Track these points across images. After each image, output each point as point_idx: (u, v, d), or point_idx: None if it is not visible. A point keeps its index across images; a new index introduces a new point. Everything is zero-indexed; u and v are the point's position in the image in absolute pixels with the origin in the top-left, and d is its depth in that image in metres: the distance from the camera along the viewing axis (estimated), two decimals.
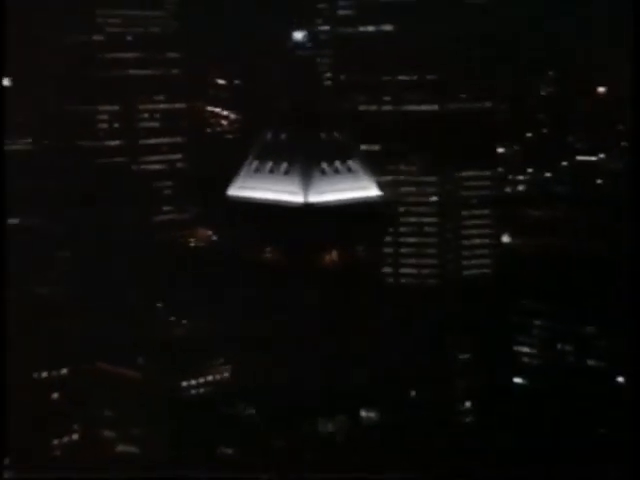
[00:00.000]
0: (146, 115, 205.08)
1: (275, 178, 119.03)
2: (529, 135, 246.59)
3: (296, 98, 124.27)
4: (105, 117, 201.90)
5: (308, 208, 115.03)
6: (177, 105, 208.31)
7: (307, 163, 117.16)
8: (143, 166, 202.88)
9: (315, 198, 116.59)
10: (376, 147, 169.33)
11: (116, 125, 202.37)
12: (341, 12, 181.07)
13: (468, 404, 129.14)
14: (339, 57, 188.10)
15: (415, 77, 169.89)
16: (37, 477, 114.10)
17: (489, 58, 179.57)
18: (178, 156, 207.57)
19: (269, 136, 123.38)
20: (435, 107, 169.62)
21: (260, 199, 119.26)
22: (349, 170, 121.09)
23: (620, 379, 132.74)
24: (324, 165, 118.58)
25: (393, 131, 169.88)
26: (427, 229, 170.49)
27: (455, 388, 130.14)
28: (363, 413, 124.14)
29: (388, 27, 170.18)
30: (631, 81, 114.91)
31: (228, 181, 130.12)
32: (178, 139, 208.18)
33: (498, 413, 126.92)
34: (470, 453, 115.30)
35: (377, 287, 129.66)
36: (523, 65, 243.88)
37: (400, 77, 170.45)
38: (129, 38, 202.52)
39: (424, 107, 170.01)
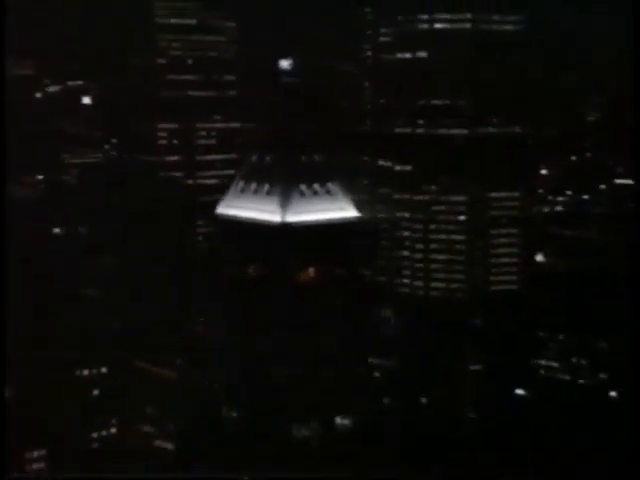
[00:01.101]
0: (203, 133, 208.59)
1: (258, 198, 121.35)
2: (573, 158, 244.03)
3: (280, 122, 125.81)
4: (165, 134, 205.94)
5: (285, 227, 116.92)
6: (232, 124, 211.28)
7: (286, 185, 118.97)
8: (199, 180, 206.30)
9: (292, 218, 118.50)
10: (408, 167, 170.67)
11: (175, 142, 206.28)
12: (382, 39, 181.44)
13: (474, 414, 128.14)
14: (379, 82, 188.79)
15: (447, 102, 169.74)
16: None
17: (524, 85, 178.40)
18: (231, 172, 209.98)
19: (255, 158, 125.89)
20: (465, 131, 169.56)
21: (244, 217, 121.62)
22: (328, 192, 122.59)
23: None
24: (303, 187, 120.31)
25: (426, 153, 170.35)
26: (456, 247, 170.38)
27: (462, 398, 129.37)
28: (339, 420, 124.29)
29: (423, 54, 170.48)
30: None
31: None
32: (233, 156, 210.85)
33: (505, 423, 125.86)
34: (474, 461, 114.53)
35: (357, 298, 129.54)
36: (569, 91, 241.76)
37: (434, 102, 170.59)
38: (189, 61, 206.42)
39: (455, 131, 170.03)
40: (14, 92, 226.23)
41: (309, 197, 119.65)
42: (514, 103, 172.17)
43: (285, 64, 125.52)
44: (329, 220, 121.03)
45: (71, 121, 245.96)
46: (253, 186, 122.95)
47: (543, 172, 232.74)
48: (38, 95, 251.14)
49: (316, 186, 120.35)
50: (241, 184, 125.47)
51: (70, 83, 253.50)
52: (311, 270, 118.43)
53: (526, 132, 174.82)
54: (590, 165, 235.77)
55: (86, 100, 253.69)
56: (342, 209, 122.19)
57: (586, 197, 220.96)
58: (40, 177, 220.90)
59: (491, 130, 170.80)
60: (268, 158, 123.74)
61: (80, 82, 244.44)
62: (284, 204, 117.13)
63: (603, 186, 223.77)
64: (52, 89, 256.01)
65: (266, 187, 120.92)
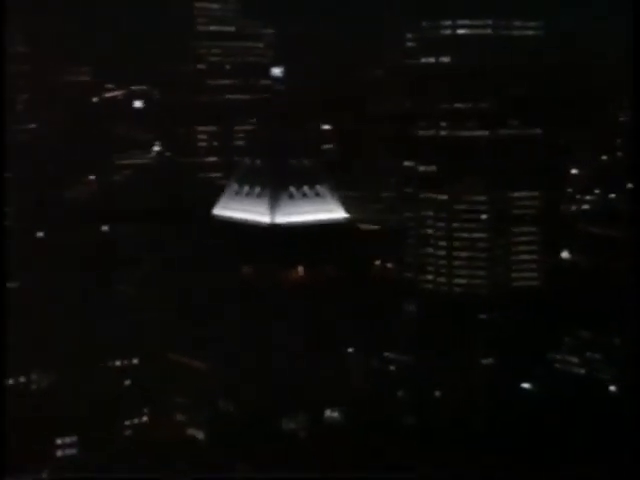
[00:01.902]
0: (241, 135, 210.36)
1: (250, 200, 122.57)
2: (604, 158, 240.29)
3: (270, 127, 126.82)
4: (205, 137, 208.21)
5: (274, 228, 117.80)
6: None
7: (276, 187, 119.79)
8: None
9: (281, 219, 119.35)
10: (433, 168, 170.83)
11: (214, 143, 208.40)
12: (407, 44, 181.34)
13: (484, 406, 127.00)
14: (404, 86, 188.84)
15: (470, 105, 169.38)
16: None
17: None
18: None
19: (248, 162, 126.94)
20: (487, 133, 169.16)
21: (237, 219, 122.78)
22: (317, 195, 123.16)
23: None
24: (292, 189, 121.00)
25: (449, 154, 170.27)
26: (479, 244, 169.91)
27: (472, 391, 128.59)
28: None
29: (446, 58, 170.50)
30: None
31: None
32: None
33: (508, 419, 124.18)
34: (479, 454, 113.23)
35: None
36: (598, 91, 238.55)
37: (456, 104, 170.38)
38: (228, 67, 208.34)
39: (478, 132, 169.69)
40: (71, 97, 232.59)
41: (298, 199, 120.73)
42: (537, 105, 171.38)
43: (277, 71, 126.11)
44: (318, 221, 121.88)
45: (122, 124, 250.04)
46: (246, 189, 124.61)
47: (573, 172, 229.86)
48: (94, 99, 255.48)
49: (305, 188, 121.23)
50: (235, 187, 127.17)
51: (119, 89, 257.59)
52: (300, 269, 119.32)
53: (548, 133, 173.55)
54: (621, 165, 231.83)
55: (136, 104, 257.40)
56: (331, 211, 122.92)
57: (613, 196, 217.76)
58: (92, 177, 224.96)
59: (512, 132, 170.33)
60: (259, 162, 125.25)
61: (128, 88, 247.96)
62: (274, 206, 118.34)
63: (630, 185, 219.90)
64: (106, 94, 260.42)
65: (257, 190, 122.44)
